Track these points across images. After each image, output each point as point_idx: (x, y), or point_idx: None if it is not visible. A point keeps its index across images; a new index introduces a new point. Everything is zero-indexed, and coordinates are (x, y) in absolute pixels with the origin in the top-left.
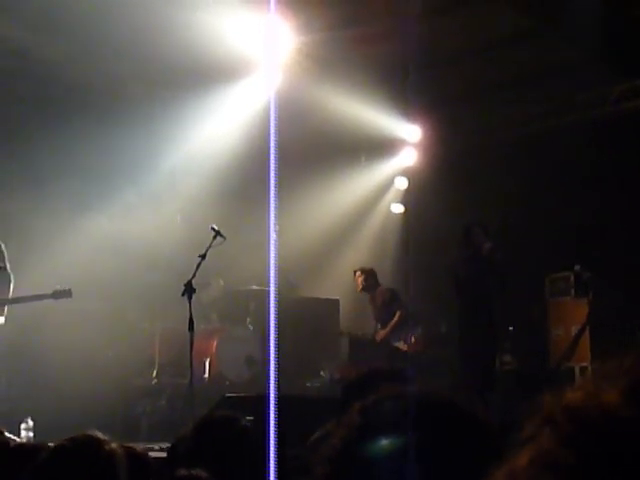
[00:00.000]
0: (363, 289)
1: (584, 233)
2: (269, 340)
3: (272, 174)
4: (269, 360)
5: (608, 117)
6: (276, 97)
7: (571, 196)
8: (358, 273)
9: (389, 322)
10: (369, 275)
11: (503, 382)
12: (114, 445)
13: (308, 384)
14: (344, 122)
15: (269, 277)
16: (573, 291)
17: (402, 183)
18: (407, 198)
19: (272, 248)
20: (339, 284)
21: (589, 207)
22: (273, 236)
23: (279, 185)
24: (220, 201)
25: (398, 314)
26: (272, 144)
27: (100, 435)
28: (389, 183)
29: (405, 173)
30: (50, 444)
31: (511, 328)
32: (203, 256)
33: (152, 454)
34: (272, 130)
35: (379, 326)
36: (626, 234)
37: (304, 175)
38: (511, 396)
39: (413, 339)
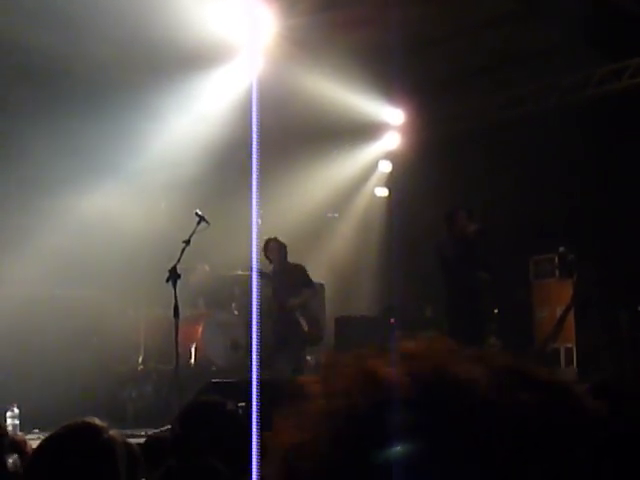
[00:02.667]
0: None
1: (568, 215)
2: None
3: (254, 159)
4: (251, 347)
5: (591, 100)
6: (258, 82)
7: (555, 179)
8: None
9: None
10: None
11: None
12: (113, 432)
13: (292, 368)
14: (327, 106)
15: (251, 262)
16: (557, 272)
17: (386, 167)
18: (391, 182)
19: (254, 234)
20: (324, 269)
21: (573, 190)
22: (255, 222)
23: (262, 170)
24: (204, 186)
25: (311, 291)
26: (254, 129)
27: (98, 422)
28: (373, 167)
29: (389, 157)
30: (37, 431)
31: (496, 310)
32: (187, 242)
33: (139, 441)
34: (254, 115)
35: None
36: (610, 216)
37: (287, 160)
38: None
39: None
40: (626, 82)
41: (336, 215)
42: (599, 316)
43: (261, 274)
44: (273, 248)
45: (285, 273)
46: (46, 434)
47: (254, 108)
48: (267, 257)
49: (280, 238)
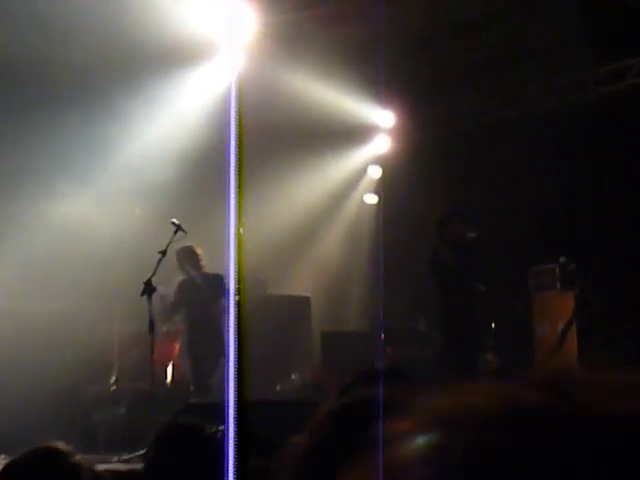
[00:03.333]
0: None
1: (570, 222)
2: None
3: (232, 164)
4: (228, 365)
5: (591, 100)
6: (239, 81)
7: (555, 184)
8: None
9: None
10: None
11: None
12: (78, 457)
13: (278, 388)
14: (313, 108)
15: (228, 275)
16: (559, 284)
17: (376, 172)
18: (381, 188)
19: (232, 244)
20: (310, 280)
21: (574, 195)
22: (232, 231)
23: (244, 175)
24: (182, 192)
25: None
26: (232, 132)
27: (62, 446)
28: (362, 172)
29: (379, 161)
30: (2, 456)
31: (493, 324)
32: (164, 252)
33: (111, 467)
34: (232, 116)
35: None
36: (614, 223)
37: (270, 164)
38: None
39: None
40: (630, 81)
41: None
42: (603, 332)
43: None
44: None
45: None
46: (10, 458)
47: (232, 110)
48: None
49: (263, 248)
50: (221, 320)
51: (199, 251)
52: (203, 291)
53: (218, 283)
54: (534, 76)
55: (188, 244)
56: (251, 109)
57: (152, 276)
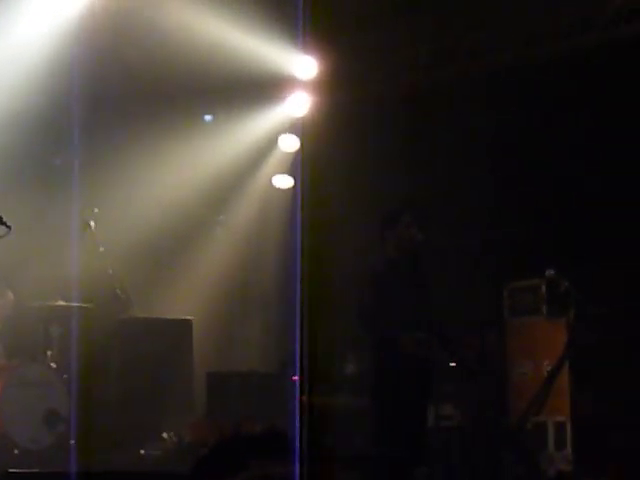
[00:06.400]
0: None
1: (559, 222)
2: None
3: (76, 133)
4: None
5: (581, 52)
6: (89, 12)
7: (536, 165)
8: None
9: None
10: None
11: (441, 448)
12: None
13: (143, 452)
14: (197, 50)
15: (73, 288)
16: (545, 308)
17: (290, 144)
18: (297, 167)
19: (75, 248)
20: (192, 298)
21: (563, 183)
22: (88, 228)
23: (94, 146)
24: (6, 171)
25: None
26: (75, 86)
27: None
28: (270, 144)
29: (294, 129)
30: None
31: (453, 364)
32: None
33: None
34: (75, 68)
35: None
36: (622, 222)
37: (135, 131)
38: (453, 470)
39: None
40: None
41: (221, 218)
42: (604, 375)
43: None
44: None
45: None
46: None
47: (74, 55)
48: None
49: (125, 254)
50: None
51: None
52: None
53: None
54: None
55: None
56: (106, 50)
57: None
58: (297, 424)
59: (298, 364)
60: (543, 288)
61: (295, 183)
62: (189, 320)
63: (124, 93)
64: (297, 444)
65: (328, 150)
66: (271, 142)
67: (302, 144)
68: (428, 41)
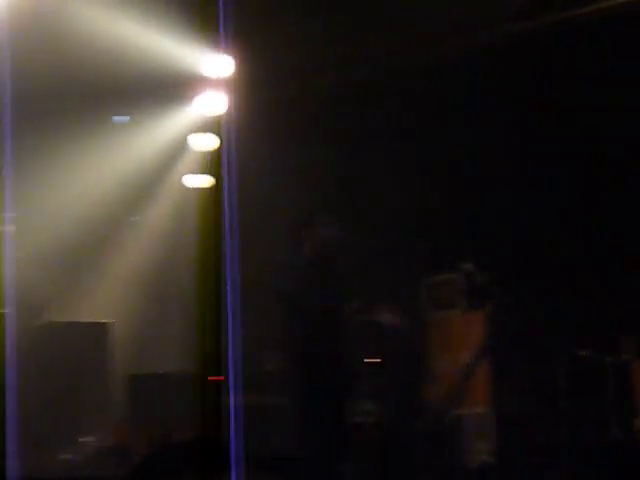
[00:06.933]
0: None
1: (474, 213)
2: None
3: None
4: None
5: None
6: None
7: (456, 156)
8: None
9: None
10: None
11: (361, 444)
12: None
13: (63, 456)
14: (109, 48)
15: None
16: (463, 301)
17: (201, 143)
18: (212, 166)
19: (7, 249)
20: (111, 300)
21: (482, 174)
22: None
23: (4, 156)
24: None
25: None
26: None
27: None
28: (180, 144)
29: (209, 128)
30: None
31: (368, 361)
32: None
33: None
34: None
35: None
36: (539, 213)
37: (45, 138)
38: (375, 466)
39: None
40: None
41: (136, 219)
42: (525, 366)
43: None
44: None
45: None
46: None
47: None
48: None
49: (40, 256)
50: None
51: None
52: None
53: None
54: None
55: None
56: (19, 49)
57: None
58: (231, 427)
59: (223, 364)
60: (461, 281)
61: (216, 182)
62: (108, 323)
63: (35, 94)
64: (232, 448)
65: (246, 150)
66: (182, 142)
67: (221, 144)
68: (345, 40)
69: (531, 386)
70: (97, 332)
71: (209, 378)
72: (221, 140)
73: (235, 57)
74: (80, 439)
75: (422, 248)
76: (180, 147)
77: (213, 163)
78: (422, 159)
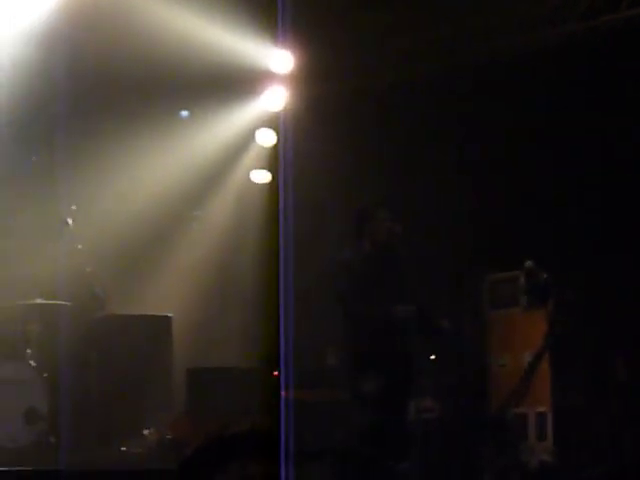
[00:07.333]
0: None
1: (538, 214)
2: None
3: (62, 125)
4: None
5: (563, 40)
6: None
7: (516, 159)
8: None
9: None
10: None
11: (422, 440)
12: None
13: (124, 448)
14: (172, 45)
15: (52, 286)
16: (525, 299)
17: (267, 138)
18: (275, 161)
19: (53, 246)
20: (172, 294)
21: (543, 176)
22: (66, 226)
23: (71, 143)
24: None
25: None
26: (53, 90)
27: None
28: (247, 139)
29: (271, 123)
30: None
31: (433, 357)
32: None
33: None
34: (54, 66)
35: None
36: (602, 214)
37: (112, 126)
38: (433, 463)
39: None
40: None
41: (198, 213)
42: (586, 366)
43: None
44: None
45: None
46: None
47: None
48: None
49: (102, 250)
50: None
51: None
52: None
53: None
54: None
55: None
56: (82, 44)
57: None
58: (282, 421)
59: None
60: (522, 279)
61: (273, 178)
62: (168, 317)
63: (101, 90)
64: (282, 441)
65: (306, 144)
66: (248, 137)
67: (278, 139)
68: (405, 36)
69: (592, 384)
70: (158, 325)
71: (274, 374)
72: (279, 136)
73: (295, 52)
74: (142, 432)
75: (483, 246)
76: (242, 142)
77: (271, 158)
78: (482, 157)
